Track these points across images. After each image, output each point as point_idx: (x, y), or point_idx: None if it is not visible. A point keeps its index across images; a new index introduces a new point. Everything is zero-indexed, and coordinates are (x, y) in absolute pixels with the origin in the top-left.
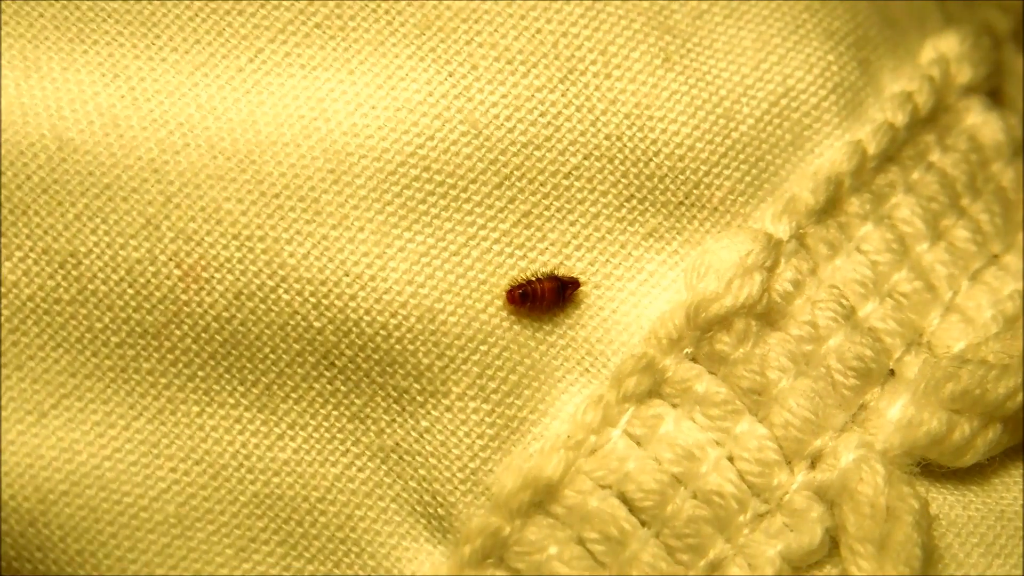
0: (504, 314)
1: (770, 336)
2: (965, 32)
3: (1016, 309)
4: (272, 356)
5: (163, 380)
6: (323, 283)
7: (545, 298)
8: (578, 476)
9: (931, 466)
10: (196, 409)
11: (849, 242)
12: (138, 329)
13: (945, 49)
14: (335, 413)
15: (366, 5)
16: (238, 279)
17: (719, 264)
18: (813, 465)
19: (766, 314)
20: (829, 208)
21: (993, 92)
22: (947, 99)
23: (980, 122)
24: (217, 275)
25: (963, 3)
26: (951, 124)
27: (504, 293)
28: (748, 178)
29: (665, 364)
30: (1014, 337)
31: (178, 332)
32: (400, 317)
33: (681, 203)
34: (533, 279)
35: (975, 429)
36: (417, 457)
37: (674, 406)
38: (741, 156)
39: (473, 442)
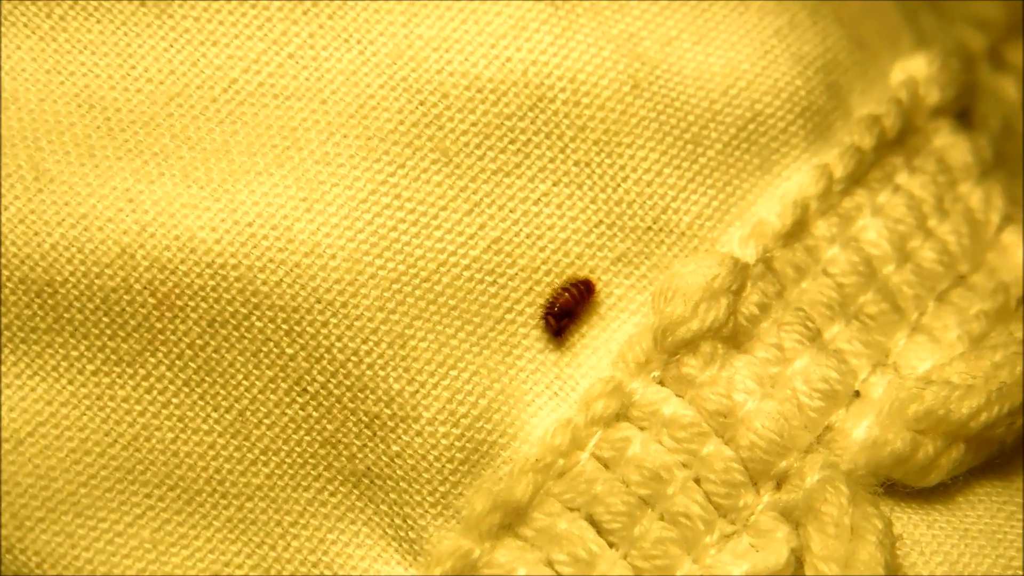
0: (474, 339)
1: (736, 359)
2: (934, 54)
3: (982, 329)
4: (245, 383)
5: (138, 407)
6: (295, 310)
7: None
8: (547, 499)
9: (896, 486)
10: (171, 436)
11: (816, 265)
12: (113, 357)
13: (914, 71)
14: (307, 438)
15: (339, 35)
16: (212, 307)
17: (686, 288)
18: (779, 486)
19: (733, 337)
20: (796, 231)
21: (964, 112)
22: (916, 121)
23: (948, 143)
24: (191, 303)
25: (937, 23)
26: (919, 146)
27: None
28: (716, 202)
29: (633, 387)
30: (979, 357)
31: (152, 360)
32: (371, 343)
33: (649, 228)
34: (564, 296)
35: (939, 449)
36: (388, 481)
37: (642, 429)
38: (709, 181)
39: (443, 466)
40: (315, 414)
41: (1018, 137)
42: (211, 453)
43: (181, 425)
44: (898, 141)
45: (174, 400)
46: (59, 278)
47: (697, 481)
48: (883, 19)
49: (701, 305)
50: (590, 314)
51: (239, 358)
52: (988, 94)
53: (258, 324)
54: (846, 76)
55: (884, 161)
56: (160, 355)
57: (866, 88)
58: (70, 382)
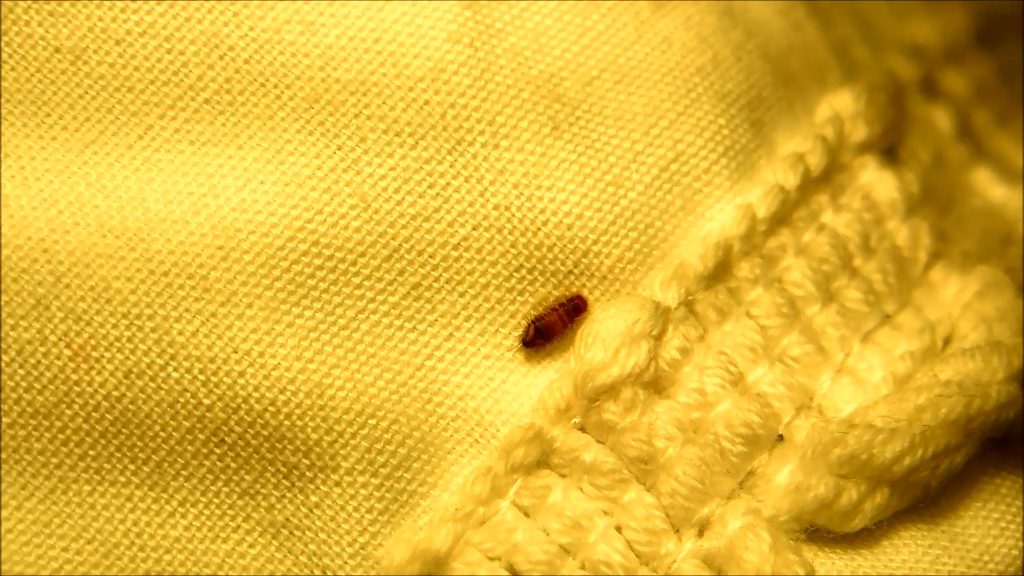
0: (393, 387)
1: (658, 404)
2: (860, 89)
3: (908, 369)
4: (162, 434)
5: (54, 460)
6: (212, 360)
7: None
8: (467, 548)
9: (820, 531)
10: (88, 488)
11: (739, 307)
12: (29, 409)
13: (840, 107)
14: (225, 489)
15: (255, 80)
16: (128, 358)
17: (606, 333)
18: (701, 533)
19: (654, 382)
20: (719, 273)
21: (893, 146)
22: (841, 158)
23: (875, 180)
24: (107, 354)
25: (870, 53)
26: (845, 183)
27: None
28: (638, 245)
29: (553, 434)
30: (902, 400)
31: (68, 412)
32: (288, 393)
33: (570, 272)
34: (553, 317)
35: (863, 494)
36: (307, 532)
37: (563, 476)
38: (630, 223)
39: (363, 516)
40: (233, 465)
41: (949, 169)
42: (128, 505)
43: (98, 477)
44: (823, 179)
45: (91, 452)
46: None
47: (618, 529)
48: (810, 53)
49: (621, 351)
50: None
51: (156, 409)
52: (919, 125)
53: (175, 375)
54: (770, 113)
55: (809, 199)
56: (76, 407)
57: (791, 124)
58: None
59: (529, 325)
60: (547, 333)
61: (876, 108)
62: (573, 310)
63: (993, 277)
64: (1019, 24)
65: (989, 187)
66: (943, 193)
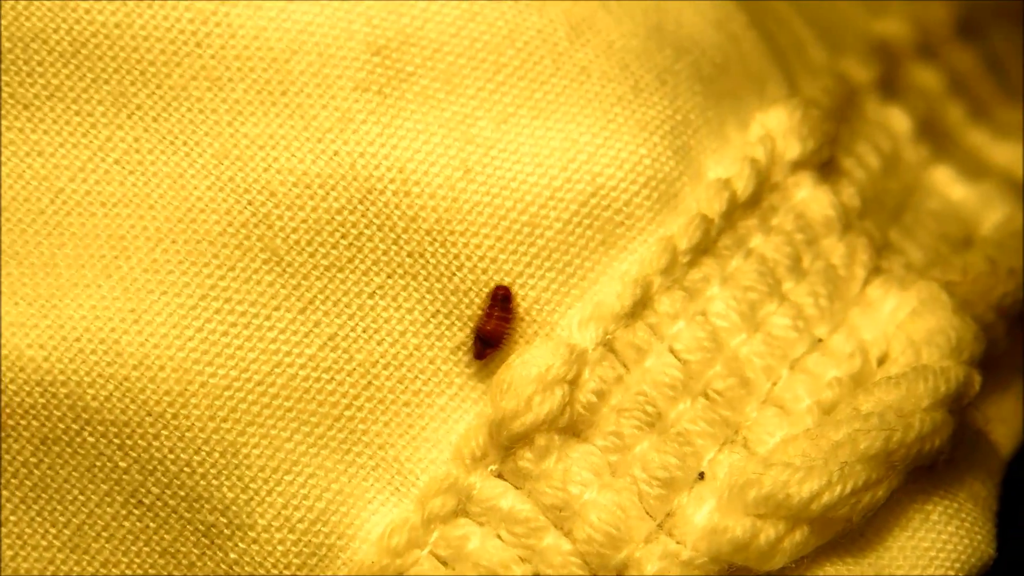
0: (311, 441)
1: (574, 449)
2: (795, 104)
3: (834, 397)
4: (81, 498)
5: None
6: (126, 424)
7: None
8: None
9: (741, 570)
10: (10, 554)
11: (660, 342)
12: None
13: (772, 125)
14: (146, 550)
15: (164, 138)
16: (43, 425)
17: (519, 380)
18: None
19: (571, 426)
20: (638, 310)
21: (835, 159)
22: (773, 177)
23: (809, 198)
24: (22, 422)
25: (826, 53)
26: (777, 203)
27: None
28: (555, 285)
29: (470, 482)
30: (820, 436)
31: None
32: (203, 454)
33: None
34: (494, 322)
35: (781, 533)
36: None
37: (480, 524)
38: (547, 263)
39: (280, 572)
40: (152, 525)
41: (904, 171)
42: (51, 569)
43: (20, 543)
44: (752, 202)
45: (11, 519)
46: None
47: None
48: (748, 66)
49: (535, 398)
50: (517, 329)
51: (73, 474)
52: (872, 128)
53: (90, 440)
54: (697, 136)
55: (736, 225)
56: None
57: (721, 146)
58: None
59: (475, 339)
60: (494, 338)
61: (811, 123)
62: (503, 302)
63: (929, 294)
64: (1007, 12)
65: (949, 186)
66: (895, 198)
